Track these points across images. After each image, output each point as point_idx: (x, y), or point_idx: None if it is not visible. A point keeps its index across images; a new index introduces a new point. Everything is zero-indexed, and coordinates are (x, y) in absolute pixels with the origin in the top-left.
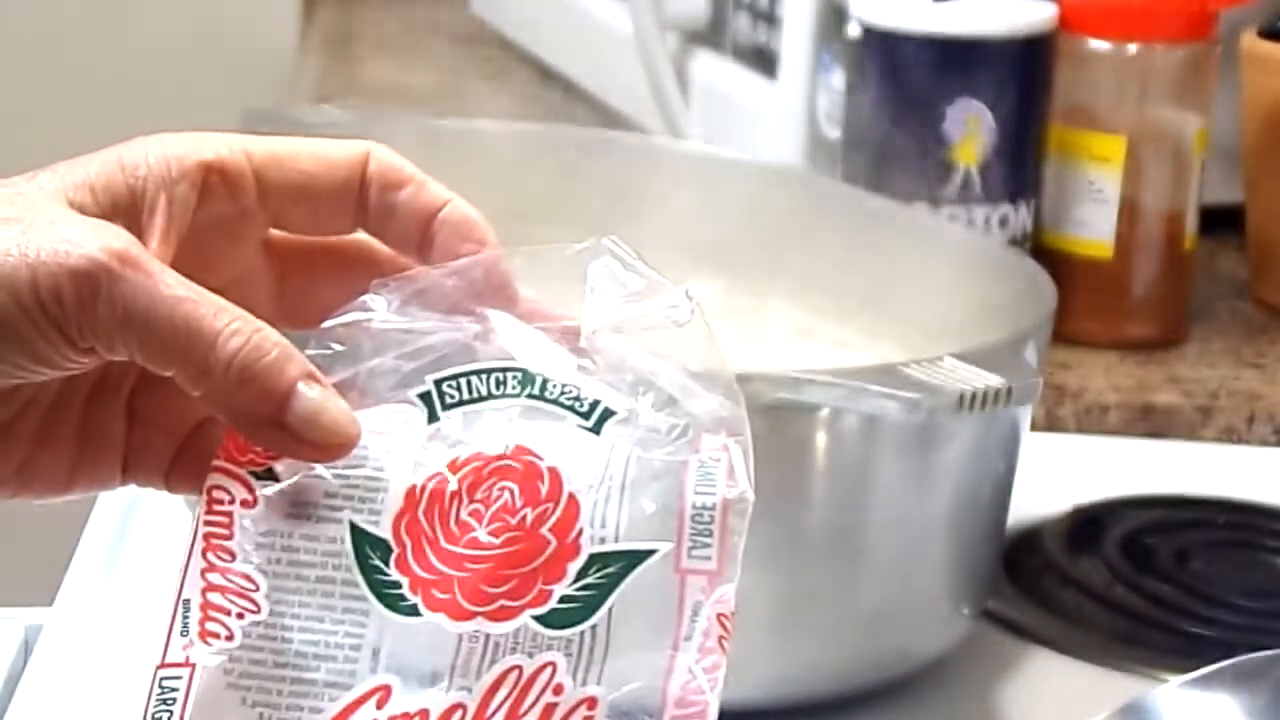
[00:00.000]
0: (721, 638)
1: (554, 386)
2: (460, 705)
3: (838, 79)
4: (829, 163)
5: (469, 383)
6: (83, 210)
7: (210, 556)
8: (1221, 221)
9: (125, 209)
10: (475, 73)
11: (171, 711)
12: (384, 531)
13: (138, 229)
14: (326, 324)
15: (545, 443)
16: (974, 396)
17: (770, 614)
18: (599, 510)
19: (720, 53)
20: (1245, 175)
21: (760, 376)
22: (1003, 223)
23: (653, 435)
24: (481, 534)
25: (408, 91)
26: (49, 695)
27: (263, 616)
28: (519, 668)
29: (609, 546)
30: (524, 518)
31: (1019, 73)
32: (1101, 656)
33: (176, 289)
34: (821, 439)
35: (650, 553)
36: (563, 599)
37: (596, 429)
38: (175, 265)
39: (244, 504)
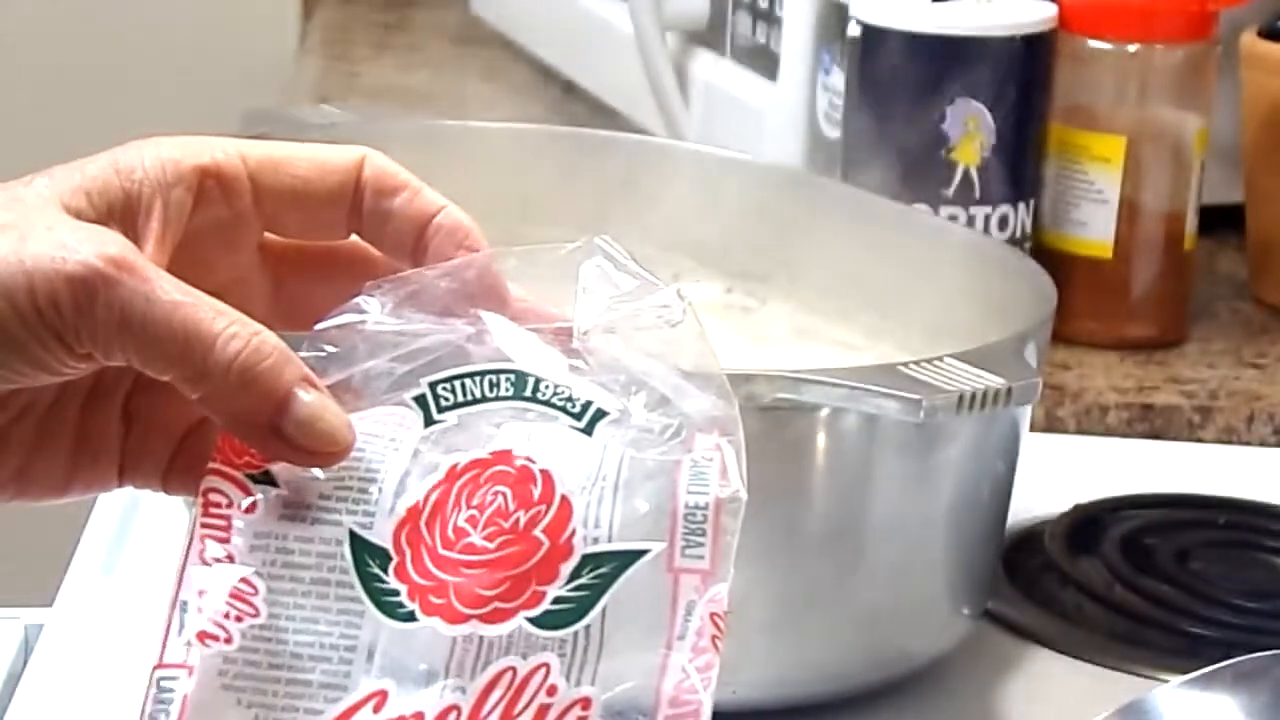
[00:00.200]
0: (715, 637)
1: (546, 388)
2: (455, 707)
3: (838, 79)
4: (829, 163)
5: (463, 385)
6: (79, 215)
7: (207, 558)
8: (1221, 221)
9: (121, 213)
10: (475, 73)
11: (169, 712)
12: (383, 539)
13: (134, 233)
14: (320, 326)
15: (538, 446)
16: (974, 396)
17: (770, 614)
18: (592, 511)
19: (720, 53)
20: (1245, 175)
21: (760, 376)
22: (1003, 223)
23: (645, 435)
24: (476, 539)
25: (408, 91)
26: (49, 695)
27: (260, 620)
28: (513, 669)
29: (602, 547)
30: (517, 521)
31: (1019, 73)
32: (1101, 656)
33: (174, 293)
34: (821, 439)
35: (643, 552)
36: (556, 600)
37: (589, 430)
38: (171, 269)
39: (240, 507)
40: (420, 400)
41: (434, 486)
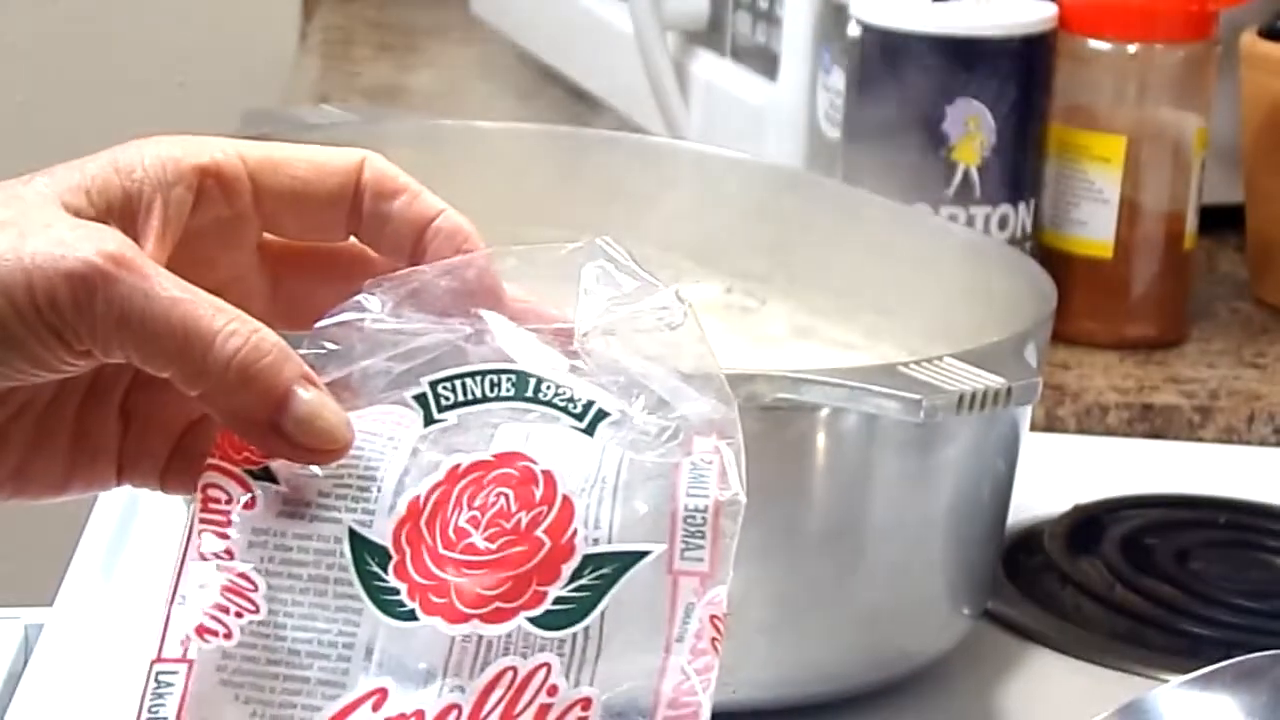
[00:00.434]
0: (714, 639)
1: (548, 388)
2: (455, 706)
3: (838, 79)
4: (829, 163)
5: (464, 384)
6: (78, 213)
7: (205, 553)
8: (1221, 221)
9: (120, 212)
10: (475, 73)
11: (167, 706)
12: (383, 538)
13: (133, 231)
14: (320, 324)
15: (540, 446)
16: (974, 396)
17: (770, 614)
18: (592, 511)
19: (720, 53)
20: (1245, 175)
21: (760, 376)
22: (1003, 223)
23: (644, 438)
24: (478, 539)
25: (408, 91)
26: (49, 695)
27: (259, 616)
28: (514, 669)
29: (603, 548)
30: (519, 521)
31: (1019, 73)
32: (1101, 656)
33: (172, 289)
34: (821, 439)
35: (644, 554)
36: (557, 600)
37: (590, 430)
38: (170, 268)
39: (239, 502)
40: (421, 399)
41: (434, 486)
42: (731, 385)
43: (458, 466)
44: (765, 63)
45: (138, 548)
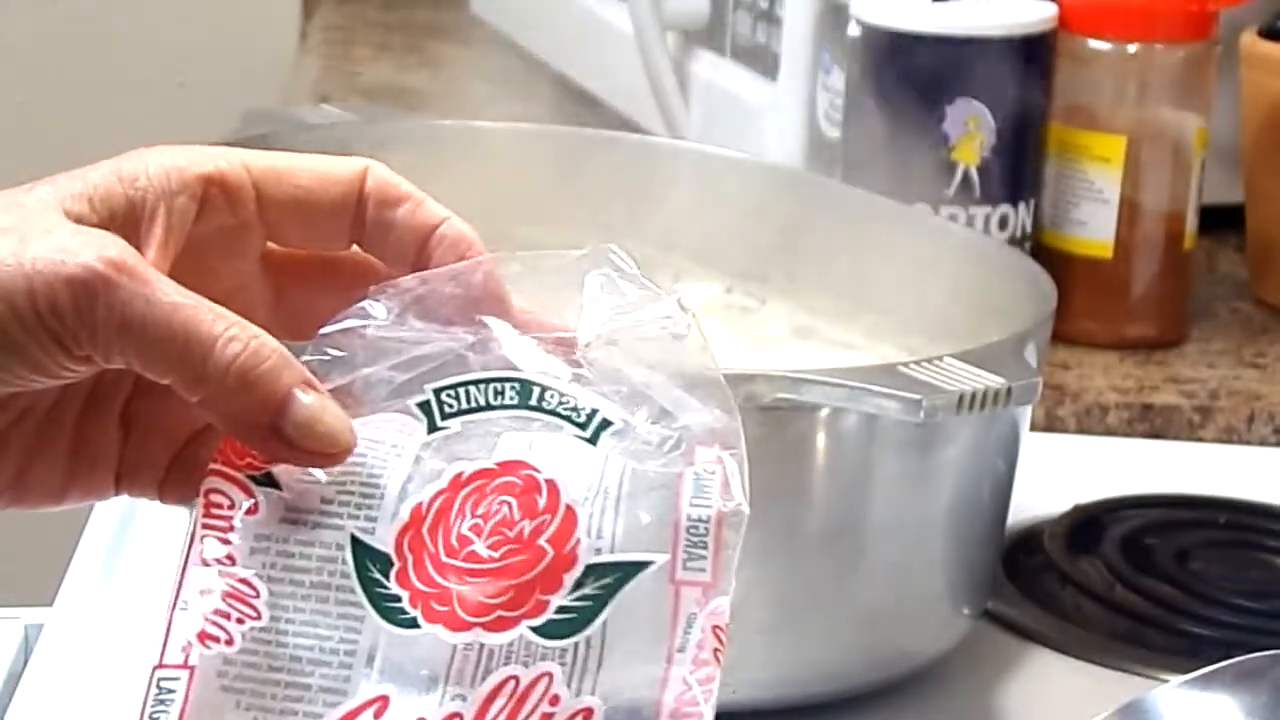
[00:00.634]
0: (716, 650)
1: (551, 396)
2: (457, 714)
3: (838, 79)
4: (829, 163)
5: (467, 392)
6: (80, 220)
7: (208, 559)
8: (1221, 221)
9: (123, 219)
10: (475, 73)
11: (168, 713)
12: (385, 545)
13: (136, 239)
14: (324, 330)
15: (543, 455)
16: (974, 396)
17: (770, 614)
18: (595, 521)
19: (720, 53)
20: (1245, 175)
21: (760, 376)
22: (1003, 223)
23: (647, 447)
24: (480, 548)
25: (408, 91)
26: (49, 695)
27: (261, 622)
28: (516, 678)
29: (605, 557)
30: (522, 530)
31: (1019, 73)
32: (1101, 656)
33: (173, 295)
34: (821, 439)
35: (646, 564)
36: (559, 609)
37: (594, 439)
38: (173, 277)
39: (241, 508)
40: (424, 406)
41: (437, 493)
42: (731, 385)
43: (461, 474)
44: (765, 63)
45: (138, 548)
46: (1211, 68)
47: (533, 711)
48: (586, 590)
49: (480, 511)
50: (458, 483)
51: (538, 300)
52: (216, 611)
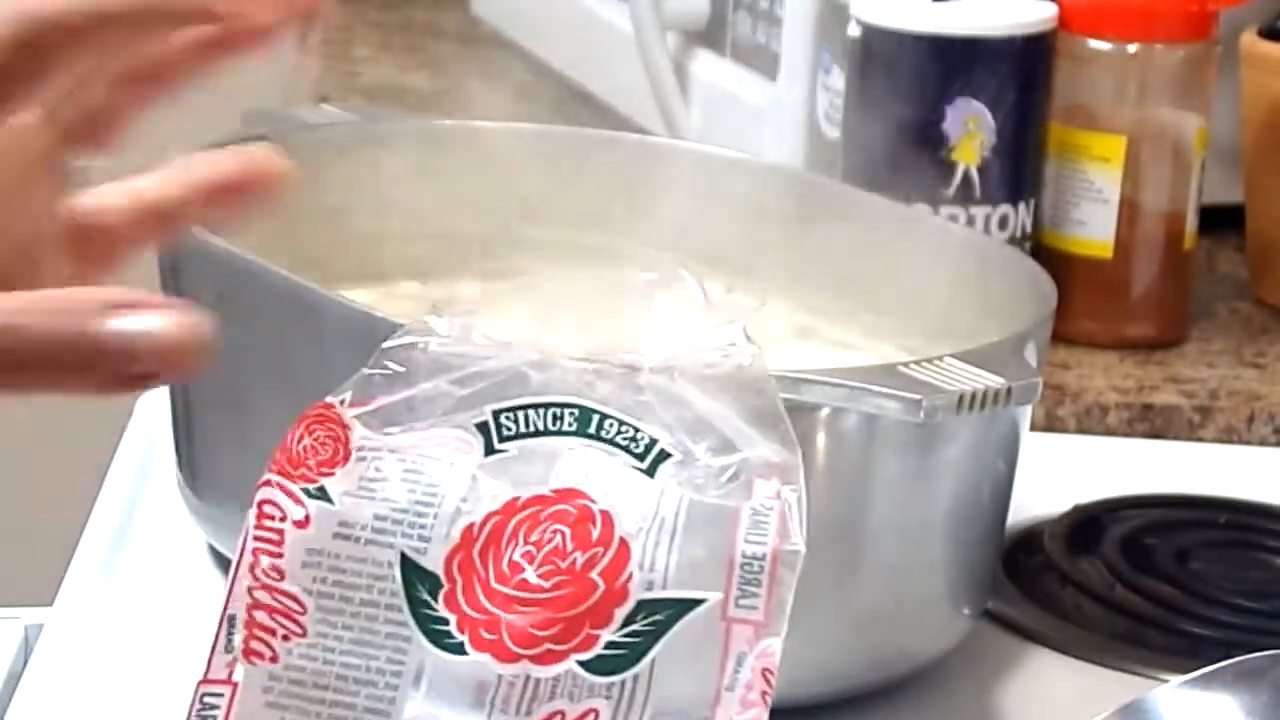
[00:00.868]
0: (764, 692)
1: (611, 425)
2: None
3: (838, 79)
4: (829, 163)
5: (526, 416)
6: None
7: (258, 573)
8: (1221, 221)
9: None
10: (475, 73)
11: None
12: (435, 565)
13: None
14: (387, 345)
15: (599, 484)
16: (974, 396)
17: None
18: (649, 555)
19: (720, 53)
20: (1245, 175)
21: None
22: (1003, 223)
23: (706, 477)
24: (531, 575)
25: (408, 91)
26: (49, 695)
27: (307, 639)
28: (562, 712)
29: (657, 593)
30: (574, 561)
31: (1019, 73)
32: (1101, 656)
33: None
34: (821, 439)
35: (699, 602)
36: (609, 645)
37: (651, 471)
38: None
39: (294, 521)
40: (483, 427)
41: (490, 514)
42: None
43: (516, 499)
44: (765, 63)
45: (138, 548)
46: (1211, 68)
47: None
48: (637, 626)
49: (533, 539)
50: (512, 507)
51: (604, 320)
52: (264, 628)
